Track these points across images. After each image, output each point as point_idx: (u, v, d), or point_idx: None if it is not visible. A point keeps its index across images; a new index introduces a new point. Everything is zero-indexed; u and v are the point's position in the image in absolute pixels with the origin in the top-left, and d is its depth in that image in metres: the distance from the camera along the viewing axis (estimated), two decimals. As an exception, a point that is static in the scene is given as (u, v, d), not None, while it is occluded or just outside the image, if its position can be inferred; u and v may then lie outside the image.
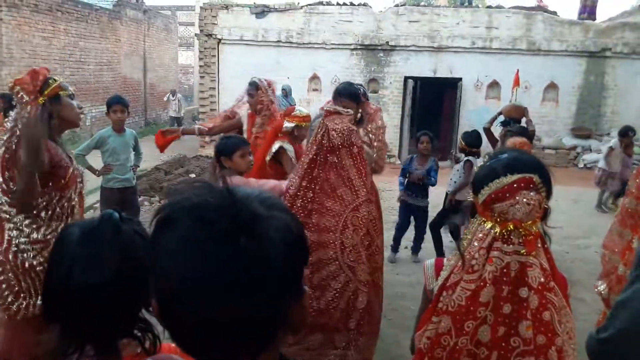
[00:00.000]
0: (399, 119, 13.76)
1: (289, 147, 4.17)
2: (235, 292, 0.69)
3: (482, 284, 1.52)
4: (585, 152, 13.24)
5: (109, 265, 1.10)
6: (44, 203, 2.58)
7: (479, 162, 5.29)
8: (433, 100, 14.69)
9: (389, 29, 13.47)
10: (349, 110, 3.01)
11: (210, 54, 14.01)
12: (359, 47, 13.57)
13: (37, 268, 2.48)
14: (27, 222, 2.52)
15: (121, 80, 17.32)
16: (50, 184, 2.60)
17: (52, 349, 1.11)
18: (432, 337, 1.60)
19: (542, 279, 1.50)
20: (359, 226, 2.82)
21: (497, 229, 1.51)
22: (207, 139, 11.51)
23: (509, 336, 1.52)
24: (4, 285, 2.50)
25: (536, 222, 1.51)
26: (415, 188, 5.84)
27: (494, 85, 13.42)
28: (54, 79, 2.66)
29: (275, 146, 4.15)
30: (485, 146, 5.97)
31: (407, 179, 5.89)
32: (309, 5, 13.92)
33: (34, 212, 2.54)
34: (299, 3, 14.58)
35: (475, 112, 13.00)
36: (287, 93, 12.16)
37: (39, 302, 2.46)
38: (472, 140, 5.80)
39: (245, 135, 4.73)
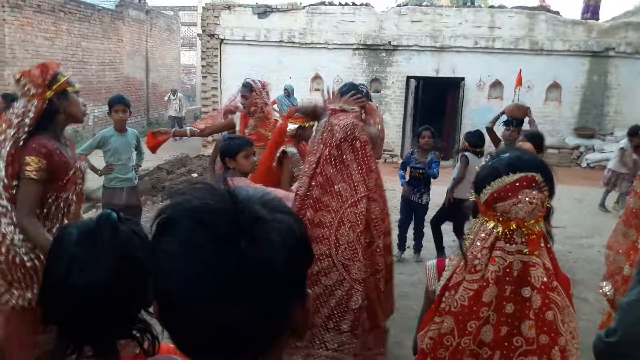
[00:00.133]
0: (401, 118, 13.75)
1: (293, 150, 4.16)
2: (235, 295, 0.68)
3: (484, 284, 1.51)
4: (588, 151, 13.21)
5: (107, 265, 1.10)
6: (40, 202, 2.57)
7: (482, 162, 5.28)
8: (435, 100, 14.68)
9: (391, 29, 13.46)
10: (354, 107, 2.98)
11: (213, 54, 14.02)
12: (361, 47, 13.56)
13: (28, 264, 2.47)
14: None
15: (123, 80, 17.34)
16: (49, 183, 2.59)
17: (51, 349, 1.10)
18: (434, 337, 1.59)
19: (545, 279, 1.49)
20: (356, 223, 2.77)
21: (500, 229, 1.51)
22: (209, 138, 11.51)
23: (511, 336, 1.52)
24: (8, 274, 2.49)
25: (539, 221, 1.50)
26: (416, 182, 5.82)
27: (497, 85, 13.40)
28: (63, 74, 2.64)
29: (279, 151, 4.16)
30: (488, 146, 5.95)
31: (409, 174, 5.88)
32: (311, 5, 13.92)
33: None
34: (301, 3, 14.57)
35: (477, 112, 12.99)
36: (289, 93, 12.17)
37: (28, 295, 2.45)
38: (475, 140, 5.81)
39: None
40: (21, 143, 2.48)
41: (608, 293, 2.61)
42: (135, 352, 1.17)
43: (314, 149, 2.97)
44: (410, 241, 6.14)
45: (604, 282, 2.70)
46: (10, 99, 6.56)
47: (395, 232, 5.91)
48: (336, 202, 2.79)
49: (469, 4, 15.06)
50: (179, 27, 23.53)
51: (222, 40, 13.92)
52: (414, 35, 13.31)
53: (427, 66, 13.53)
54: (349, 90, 3.79)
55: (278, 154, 4.16)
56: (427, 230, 6.03)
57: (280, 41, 13.73)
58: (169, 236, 0.71)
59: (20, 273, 2.47)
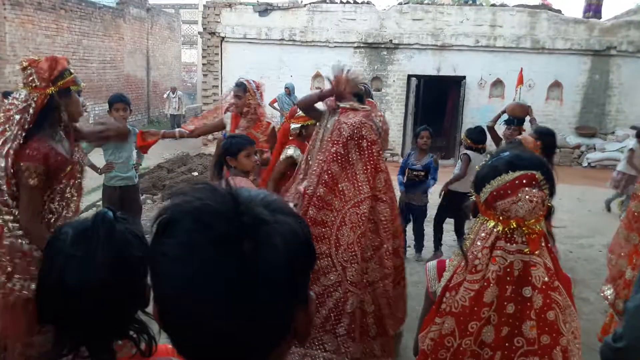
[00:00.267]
0: (402, 117, 13.74)
1: (296, 153, 4.14)
2: (236, 299, 0.66)
3: (485, 284, 1.50)
4: (589, 150, 13.19)
5: (103, 265, 1.09)
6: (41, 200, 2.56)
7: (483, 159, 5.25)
8: (436, 99, 14.66)
9: (392, 27, 13.44)
10: (365, 106, 2.93)
11: (214, 52, 14.01)
12: (362, 45, 13.55)
13: (34, 253, 2.47)
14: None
15: (124, 79, 17.34)
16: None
17: (47, 350, 1.09)
18: (435, 338, 1.58)
19: (546, 279, 1.48)
20: (357, 224, 2.72)
21: (500, 227, 1.50)
22: (209, 136, 11.50)
23: (512, 336, 1.51)
24: (10, 264, 2.48)
25: (540, 220, 1.49)
26: (414, 184, 5.79)
27: (498, 83, 13.38)
28: (70, 72, 2.62)
29: (282, 155, 4.15)
30: (489, 144, 5.94)
31: (407, 176, 5.84)
32: (312, 3, 13.89)
33: None
34: (302, 1, 14.57)
35: (478, 111, 12.97)
36: (290, 91, 12.16)
37: (33, 286, 2.43)
38: (476, 136, 5.80)
39: None
40: (20, 140, 2.46)
41: (609, 297, 2.60)
42: (132, 353, 1.16)
43: (323, 148, 2.93)
44: (410, 241, 6.13)
45: (606, 286, 2.69)
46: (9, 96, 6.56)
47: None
48: (339, 201, 2.75)
49: (470, 2, 15.01)
50: (179, 25, 23.51)
51: (223, 38, 13.91)
52: (415, 33, 13.29)
53: (428, 65, 13.51)
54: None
55: (281, 158, 4.15)
56: (428, 230, 6.01)
57: (281, 39, 13.72)
58: (169, 237, 0.70)
59: (25, 262, 2.47)
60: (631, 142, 8.50)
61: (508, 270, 1.48)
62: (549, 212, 1.56)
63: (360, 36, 13.44)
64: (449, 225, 6.05)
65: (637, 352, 1.48)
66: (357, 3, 13.72)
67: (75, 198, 2.70)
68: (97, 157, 5.13)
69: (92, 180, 4.49)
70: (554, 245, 1.59)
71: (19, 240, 2.48)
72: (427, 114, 14.50)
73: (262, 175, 4.32)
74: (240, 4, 14.10)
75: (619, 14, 14.49)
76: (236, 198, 0.71)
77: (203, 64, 14.48)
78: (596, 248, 6.55)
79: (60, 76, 2.56)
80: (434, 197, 5.98)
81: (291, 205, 3.51)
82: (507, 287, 1.49)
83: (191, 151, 12.25)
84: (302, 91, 12.76)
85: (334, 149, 2.77)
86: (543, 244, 1.51)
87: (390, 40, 13.37)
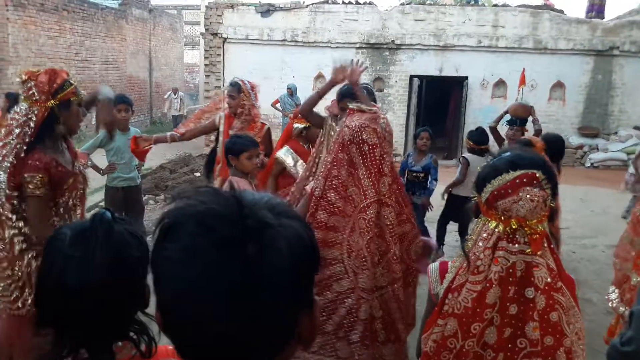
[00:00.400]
0: (404, 118, 13.73)
1: (283, 156, 4.13)
2: (239, 304, 0.66)
3: (488, 285, 1.49)
4: (592, 151, 13.16)
5: (102, 265, 1.08)
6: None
7: (484, 161, 5.25)
8: (439, 99, 14.65)
9: (394, 28, 13.43)
10: (372, 108, 2.90)
11: (216, 52, 14.02)
12: (364, 45, 13.54)
13: None
14: (26, 229, 2.51)
15: (127, 79, 17.37)
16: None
17: (46, 352, 1.09)
18: (438, 340, 1.57)
19: (549, 279, 1.47)
20: (365, 229, 2.68)
21: (501, 228, 1.49)
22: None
23: (515, 337, 1.50)
24: (9, 281, 2.50)
25: (542, 221, 1.48)
26: (414, 185, 5.79)
27: (500, 84, 13.36)
28: (70, 83, 2.61)
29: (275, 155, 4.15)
30: (492, 145, 5.93)
31: (406, 177, 5.83)
32: (315, 4, 13.90)
33: None
34: (304, 2, 14.56)
35: (481, 111, 12.96)
36: (292, 92, 12.17)
37: None
38: (478, 138, 5.80)
39: (222, 137, 4.60)
40: (22, 155, 2.47)
41: (614, 301, 2.59)
42: (132, 354, 1.16)
43: (330, 150, 2.91)
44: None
45: (611, 288, 2.68)
46: (13, 97, 6.57)
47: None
48: (350, 206, 2.73)
49: (472, 2, 15.00)
50: (182, 26, 23.55)
51: (225, 39, 13.91)
52: (418, 34, 13.28)
53: (430, 65, 13.50)
54: (349, 90, 3.77)
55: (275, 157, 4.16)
56: (432, 231, 6.00)
57: (284, 40, 13.72)
58: (172, 241, 0.69)
59: (33, 278, 2.48)
60: None
61: (510, 271, 1.48)
62: (552, 213, 1.55)
63: (363, 37, 13.43)
64: (453, 225, 6.05)
65: None
66: (359, 4, 13.72)
67: (79, 207, 2.71)
68: (100, 158, 5.13)
69: (94, 181, 4.48)
70: (558, 248, 1.58)
71: (29, 255, 2.49)
72: (429, 115, 14.49)
73: (258, 178, 4.29)
74: (243, 4, 14.10)
75: (622, 14, 14.47)
76: (240, 201, 0.70)
77: (205, 65, 14.48)
78: (599, 249, 6.53)
79: (60, 89, 2.56)
80: (434, 197, 5.98)
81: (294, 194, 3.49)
82: (509, 288, 1.48)
83: (193, 152, 12.26)
84: (305, 92, 12.76)
85: (340, 154, 2.75)
86: (546, 245, 1.51)
87: (393, 41, 13.36)
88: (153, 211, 7.29)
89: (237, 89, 4.53)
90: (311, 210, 2.81)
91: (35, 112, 2.50)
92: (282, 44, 13.78)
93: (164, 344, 1.05)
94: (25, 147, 2.48)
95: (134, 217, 5.07)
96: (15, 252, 2.48)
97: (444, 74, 13.55)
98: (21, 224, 2.50)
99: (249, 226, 0.67)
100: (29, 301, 2.47)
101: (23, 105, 2.53)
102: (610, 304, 2.64)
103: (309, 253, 0.73)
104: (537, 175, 1.47)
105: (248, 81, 4.66)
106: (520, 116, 5.65)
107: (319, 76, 13.69)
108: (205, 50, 14.42)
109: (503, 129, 5.88)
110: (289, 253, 0.68)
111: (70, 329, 1.10)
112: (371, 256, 2.70)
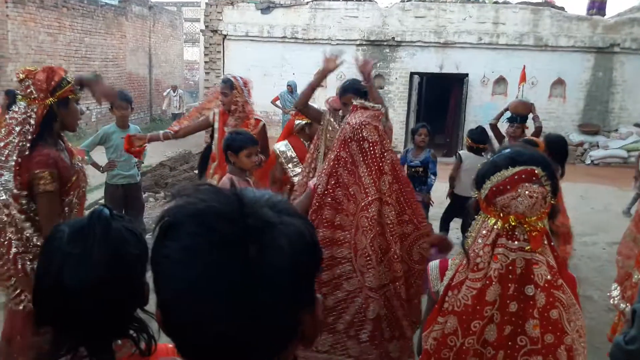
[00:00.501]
0: (404, 115, 13.72)
1: (280, 149, 4.12)
2: (240, 303, 0.65)
3: (487, 282, 1.48)
4: (592, 148, 13.15)
5: (100, 263, 1.08)
6: None
7: (483, 159, 5.25)
8: (439, 96, 14.63)
9: (395, 25, 13.41)
10: (375, 105, 2.88)
11: (216, 49, 14.01)
12: (364, 42, 13.53)
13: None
14: (30, 230, 2.50)
15: (126, 77, 17.34)
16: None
17: (45, 351, 1.08)
18: (438, 337, 1.57)
19: (549, 277, 1.47)
20: (368, 228, 2.66)
21: (500, 224, 1.48)
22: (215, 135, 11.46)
23: (515, 335, 1.49)
24: (13, 279, 2.51)
25: (542, 218, 1.48)
26: (413, 180, 5.78)
27: (501, 81, 13.36)
28: (67, 81, 2.60)
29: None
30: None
31: (406, 173, 5.84)
32: (315, 0, 13.88)
33: (35, 217, 2.53)
34: (304, -2, 14.55)
35: (481, 108, 12.96)
36: (292, 89, 12.14)
37: None
38: (477, 136, 5.80)
39: (217, 135, 4.58)
40: (27, 152, 2.46)
41: (615, 298, 2.58)
42: (131, 352, 1.15)
43: (333, 147, 2.90)
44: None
45: (613, 285, 2.68)
46: (12, 95, 6.55)
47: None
48: (353, 205, 2.72)
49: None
50: (182, 23, 23.51)
51: (225, 36, 13.90)
52: (418, 31, 13.27)
53: (430, 62, 13.49)
54: (351, 86, 3.76)
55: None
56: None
57: (284, 37, 13.71)
58: (172, 240, 0.68)
59: (31, 279, 2.48)
60: None
61: (510, 268, 1.47)
62: (552, 210, 1.54)
63: (363, 34, 13.42)
64: (456, 223, 6.04)
65: None
66: (360, 0, 13.70)
67: (78, 205, 2.71)
68: (100, 155, 5.13)
69: (94, 179, 4.48)
70: (558, 246, 1.56)
71: (25, 258, 2.49)
72: (429, 112, 14.48)
73: (255, 176, 4.27)
74: (243, 1, 14.09)
75: (623, 11, 14.46)
76: (241, 199, 0.70)
77: (205, 62, 14.48)
78: (600, 246, 6.53)
79: (58, 86, 2.55)
80: (439, 195, 5.98)
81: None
82: (509, 285, 1.47)
83: (193, 149, 12.24)
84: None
85: (341, 152, 2.74)
86: (546, 242, 1.50)
87: (393, 38, 13.34)
88: (153, 209, 7.28)
89: (230, 85, 4.49)
90: (314, 207, 2.80)
91: (35, 110, 2.49)
92: (282, 41, 13.77)
93: (164, 342, 1.05)
94: (28, 145, 2.47)
95: (133, 214, 5.07)
96: (10, 254, 2.47)
97: (444, 71, 13.54)
98: (27, 224, 2.49)
99: (250, 225, 0.67)
100: (28, 300, 2.47)
101: (21, 104, 2.51)
102: (611, 301, 2.63)
103: (310, 251, 0.72)
104: (536, 171, 1.46)
105: (240, 77, 4.61)
106: (520, 113, 5.64)
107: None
108: (205, 48, 14.42)
109: (503, 127, 5.88)
110: (290, 252, 0.68)
111: (68, 326, 1.09)
112: (375, 254, 2.69)
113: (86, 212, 3.24)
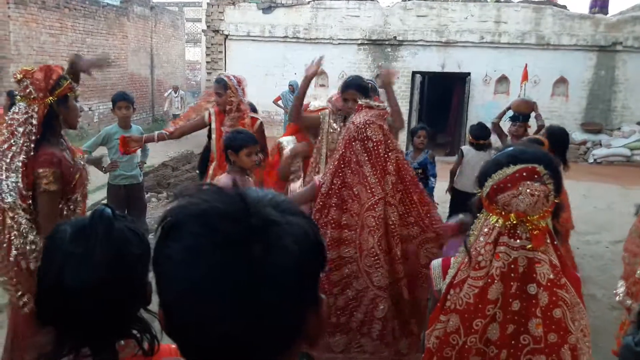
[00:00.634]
0: (406, 114, 13.68)
1: (285, 143, 4.11)
2: (244, 304, 0.65)
3: (489, 280, 1.48)
4: (595, 147, 13.13)
5: (102, 262, 1.07)
6: None
7: (484, 155, 5.24)
8: (441, 96, 14.63)
9: (396, 24, 13.40)
10: (379, 104, 2.86)
11: (217, 49, 14.02)
12: (366, 42, 13.52)
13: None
14: (33, 232, 2.50)
15: (128, 77, 17.34)
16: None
17: (47, 351, 1.08)
18: (440, 336, 1.56)
19: (552, 276, 1.46)
20: (374, 227, 2.66)
21: (501, 222, 1.48)
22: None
23: (518, 334, 1.49)
24: (15, 280, 2.50)
25: (545, 217, 1.47)
26: None
27: (503, 80, 13.34)
28: (65, 79, 2.60)
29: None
30: (494, 141, 5.91)
31: None
32: (316, 0, 13.87)
33: (37, 217, 2.52)
34: (306, -2, 14.55)
35: (483, 107, 12.94)
36: (294, 89, 12.12)
37: None
38: (477, 132, 5.78)
39: (214, 134, 4.55)
40: (32, 153, 2.46)
41: (620, 294, 2.57)
42: (135, 352, 1.15)
43: (337, 146, 2.89)
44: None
45: (620, 283, 2.66)
46: (14, 96, 6.56)
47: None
48: (357, 205, 2.71)
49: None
50: (183, 23, 23.51)
51: (226, 36, 13.91)
52: (420, 30, 13.25)
53: (432, 61, 13.47)
54: (354, 82, 3.76)
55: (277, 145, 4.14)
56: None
57: (285, 37, 13.71)
58: (174, 241, 0.68)
59: (33, 279, 2.48)
60: None
61: (512, 266, 1.47)
62: (556, 209, 1.53)
63: (364, 33, 13.41)
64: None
65: None
66: (361, 0, 13.69)
67: (81, 204, 2.71)
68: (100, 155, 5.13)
69: (96, 179, 4.47)
70: (561, 244, 1.55)
71: (29, 259, 2.48)
72: (431, 111, 14.47)
73: (256, 176, 4.26)
74: (244, 1, 14.09)
75: (625, 10, 14.41)
76: (244, 199, 0.69)
77: (207, 62, 14.48)
78: (602, 245, 6.51)
79: (57, 85, 2.54)
80: (441, 194, 5.97)
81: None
82: (511, 283, 1.47)
83: (195, 149, 12.24)
84: (306, 89, 12.74)
85: (346, 152, 2.73)
86: (549, 241, 1.49)
87: (395, 37, 13.33)
88: (155, 209, 7.29)
89: (223, 85, 4.45)
90: (318, 206, 2.79)
91: (35, 109, 2.49)
92: (283, 40, 13.77)
93: (167, 342, 1.04)
94: (33, 145, 2.47)
95: (136, 215, 5.06)
96: (11, 256, 2.47)
97: (446, 70, 13.53)
98: (30, 224, 2.48)
99: (254, 225, 0.66)
100: (32, 300, 2.48)
101: (21, 105, 2.51)
102: (617, 298, 2.62)
103: (315, 250, 0.72)
104: (537, 169, 1.46)
105: (234, 76, 4.58)
106: (522, 112, 5.63)
107: (321, 73, 13.65)
108: (207, 48, 14.42)
109: (506, 125, 5.87)
110: (295, 251, 0.67)
111: (70, 327, 1.09)
112: (383, 253, 2.69)
113: (88, 213, 3.25)
